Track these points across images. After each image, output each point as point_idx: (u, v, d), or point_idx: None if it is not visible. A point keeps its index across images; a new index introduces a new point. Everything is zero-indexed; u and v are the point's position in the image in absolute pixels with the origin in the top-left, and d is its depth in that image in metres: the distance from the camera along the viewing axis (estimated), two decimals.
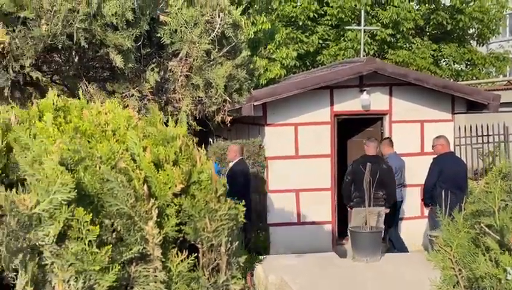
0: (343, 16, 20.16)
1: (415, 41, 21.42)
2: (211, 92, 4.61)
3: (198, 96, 4.60)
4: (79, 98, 4.62)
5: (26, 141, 1.62)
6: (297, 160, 10.55)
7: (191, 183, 1.74)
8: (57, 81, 4.73)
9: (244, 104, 7.00)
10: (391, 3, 20.28)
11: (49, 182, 1.44)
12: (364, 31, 15.05)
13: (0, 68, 3.97)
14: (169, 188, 1.64)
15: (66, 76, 4.46)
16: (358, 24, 16.58)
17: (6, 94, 4.04)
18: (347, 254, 10.09)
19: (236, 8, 4.78)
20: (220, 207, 1.71)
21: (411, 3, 21.55)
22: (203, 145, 2.61)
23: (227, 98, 4.67)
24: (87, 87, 4.32)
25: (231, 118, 4.79)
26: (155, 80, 4.34)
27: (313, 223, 10.68)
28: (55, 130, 1.65)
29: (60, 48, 3.98)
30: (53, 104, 1.85)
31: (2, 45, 3.88)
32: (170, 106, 4.60)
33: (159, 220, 1.62)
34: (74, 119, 1.77)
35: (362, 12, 14.35)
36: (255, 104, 9.82)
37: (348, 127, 11.62)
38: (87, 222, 1.47)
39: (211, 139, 13.59)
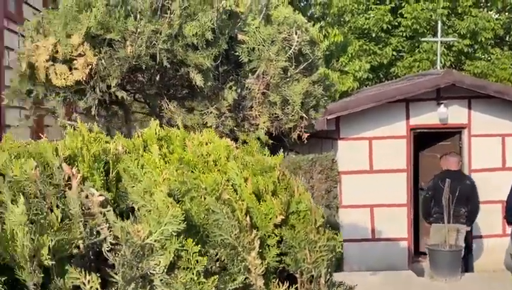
0: (418, 27, 19.72)
1: (494, 52, 20.61)
2: (288, 109, 4.64)
3: (275, 113, 4.63)
4: (160, 114, 4.79)
5: (135, 172, 1.70)
6: (372, 175, 10.38)
7: (290, 213, 1.76)
8: (139, 99, 4.91)
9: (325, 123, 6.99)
10: (469, 13, 19.66)
11: (160, 214, 1.50)
12: (441, 42, 14.64)
13: (88, 88, 4.17)
14: (271, 219, 1.67)
15: (148, 94, 4.62)
16: (434, 35, 16.17)
17: (93, 112, 4.24)
18: (424, 272, 9.79)
19: (313, 25, 4.80)
20: (319, 238, 1.72)
21: (490, 12, 20.81)
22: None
23: (304, 114, 4.68)
24: (168, 105, 4.45)
25: (308, 134, 4.80)
26: (233, 98, 4.42)
27: (388, 239, 10.45)
28: (161, 161, 1.73)
29: (143, 68, 4.14)
30: (156, 134, 1.94)
31: (90, 66, 4.08)
32: (247, 122, 4.66)
33: (260, 250, 1.66)
34: (177, 149, 1.85)
35: (439, 23, 13.98)
36: (328, 117, 9.77)
37: (419, 141, 11.34)
38: (196, 252, 1.53)
39: (282, 153, 13.63)
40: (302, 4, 14.94)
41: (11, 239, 1.44)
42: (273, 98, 4.52)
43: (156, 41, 4.17)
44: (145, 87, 4.53)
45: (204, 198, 1.65)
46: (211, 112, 4.45)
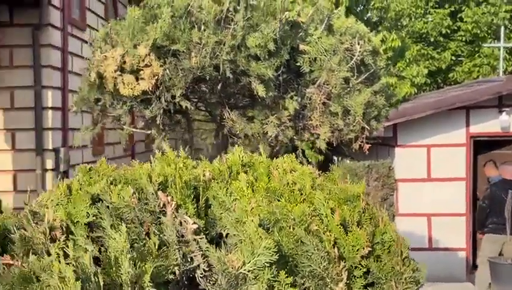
0: (479, 32, 19.20)
1: None
2: (349, 119, 4.63)
3: (336, 124, 4.63)
4: (221, 123, 4.86)
5: (224, 199, 1.75)
6: (430, 183, 10.18)
7: (375, 244, 1.77)
8: (201, 108, 5.00)
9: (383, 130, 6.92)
10: None
11: (253, 244, 1.54)
12: (503, 47, 14.21)
13: (153, 98, 4.28)
14: (358, 250, 1.69)
15: (209, 103, 4.70)
16: (496, 39, 15.70)
17: (158, 122, 4.35)
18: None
19: (372, 31, 4.76)
20: (405, 270, 1.72)
21: None
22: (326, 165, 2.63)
23: (366, 125, 4.66)
24: (229, 114, 4.52)
25: (369, 146, 4.78)
26: (294, 108, 4.45)
27: (446, 249, 10.22)
28: (249, 189, 1.78)
29: (207, 78, 4.22)
30: (240, 160, 1.99)
31: (156, 77, 4.20)
32: (307, 132, 4.68)
33: (348, 281, 1.68)
34: (263, 177, 1.89)
35: (502, 28, 13.57)
36: (385, 124, 9.65)
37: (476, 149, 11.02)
38: (288, 284, 1.56)
39: (335, 158, 13.53)
40: (358, 9, 14.81)
41: (114, 265, 1.50)
42: (334, 108, 4.52)
43: (220, 52, 4.24)
44: (206, 97, 4.62)
45: (293, 228, 1.68)
46: (271, 121, 4.49)
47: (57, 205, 1.59)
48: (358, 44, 4.50)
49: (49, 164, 10.00)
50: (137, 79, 4.29)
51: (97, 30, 12.55)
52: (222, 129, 4.85)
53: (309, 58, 4.52)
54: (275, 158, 3.65)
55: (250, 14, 4.33)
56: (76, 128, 11.19)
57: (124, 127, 4.69)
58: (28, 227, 1.56)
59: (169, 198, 1.64)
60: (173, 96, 4.28)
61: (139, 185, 1.72)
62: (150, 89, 4.23)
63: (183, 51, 4.25)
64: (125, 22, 4.82)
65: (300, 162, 4.58)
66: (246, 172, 1.94)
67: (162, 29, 4.28)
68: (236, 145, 4.85)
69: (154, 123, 4.39)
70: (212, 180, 1.84)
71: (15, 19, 9.65)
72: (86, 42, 11.85)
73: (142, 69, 4.27)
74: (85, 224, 1.56)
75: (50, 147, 9.96)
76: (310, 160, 10.13)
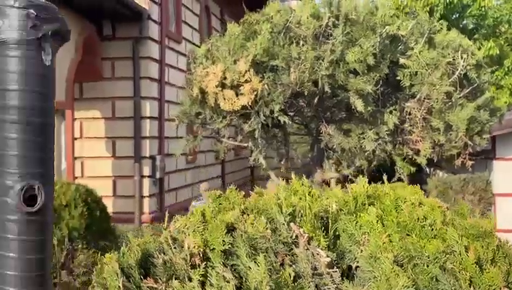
0: None
1: None
2: (451, 135, 4.50)
3: (438, 139, 4.51)
4: (318, 137, 4.88)
5: (353, 232, 1.77)
6: None
7: (509, 283, 1.72)
8: (297, 122, 5.05)
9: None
10: None
11: (388, 281, 1.54)
12: None
13: (252, 113, 4.37)
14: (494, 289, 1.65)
15: (305, 117, 4.73)
16: None
17: (256, 136, 4.44)
18: None
19: (479, 48, 4.61)
20: None
21: None
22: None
23: (469, 141, 4.50)
24: (326, 128, 4.53)
25: (472, 162, 4.62)
26: (393, 123, 4.38)
27: None
28: (379, 223, 1.78)
29: (305, 93, 4.26)
30: (365, 190, 2.00)
31: (255, 92, 4.29)
32: (406, 147, 4.59)
33: None
34: (391, 211, 1.88)
35: None
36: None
37: None
38: None
39: (427, 169, 13.11)
40: (453, 16, 14.30)
41: None
42: (435, 123, 4.41)
43: (318, 68, 4.27)
44: (304, 111, 4.65)
45: (428, 266, 1.66)
46: (369, 136, 4.45)
47: (194, 231, 1.67)
48: (461, 58, 4.37)
49: (146, 170, 10.44)
50: (237, 94, 4.40)
51: (192, 42, 12.99)
52: (318, 143, 4.87)
53: (409, 72, 4.44)
54: (371, 173, 3.62)
55: (349, 29, 4.33)
56: (171, 136, 11.64)
57: (223, 140, 4.81)
58: (168, 252, 1.65)
59: (301, 230, 1.68)
60: (271, 111, 4.35)
61: (270, 215, 1.77)
62: (249, 104, 4.32)
63: (282, 67, 4.31)
64: (225, 38, 4.96)
65: (399, 179, 4.50)
66: (371, 204, 1.94)
67: (261, 45, 4.37)
68: (330, 160, 4.87)
69: (252, 137, 4.47)
70: (339, 211, 1.86)
71: (117, 32, 10.18)
72: (182, 54, 12.31)
73: (242, 85, 4.38)
74: (221, 251, 1.63)
75: (147, 155, 10.39)
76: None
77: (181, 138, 12.39)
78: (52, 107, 1.79)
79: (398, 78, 4.49)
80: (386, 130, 4.47)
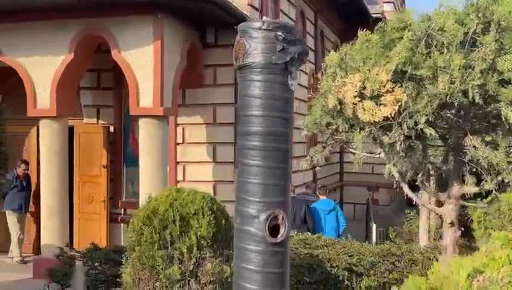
0: None
1: None
2: None
3: None
4: (459, 150, 4.64)
5: None
6: None
7: None
8: (438, 133, 4.82)
9: None
10: None
11: None
12: None
13: (395, 124, 4.21)
14: None
15: (449, 129, 4.52)
16: None
17: (398, 148, 4.28)
18: None
19: None
20: None
21: None
22: None
23: None
24: (471, 141, 4.30)
25: None
26: None
27: None
28: None
29: (455, 104, 4.05)
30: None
31: (399, 103, 4.12)
32: None
33: None
34: None
35: None
36: None
37: None
38: None
39: None
40: None
41: None
42: None
43: (467, 77, 4.05)
44: (448, 122, 4.44)
45: None
46: None
47: None
48: None
49: None
50: (377, 105, 4.25)
51: None
52: (457, 155, 4.63)
53: None
54: None
55: (500, 36, 4.08)
56: None
57: (354, 151, 4.68)
58: None
59: None
60: (416, 123, 4.17)
61: None
62: (392, 115, 4.16)
63: (429, 76, 4.12)
64: (357, 46, 4.83)
65: None
66: None
67: (403, 54, 4.20)
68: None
69: (392, 149, 4.31)
70: None
71: (219, 40, 10.30)
72: None
73: (383, 95, 4.23)
74: None
75: None
76: None
77: None
78: (290, 133, 1.73)
79: None
80: None
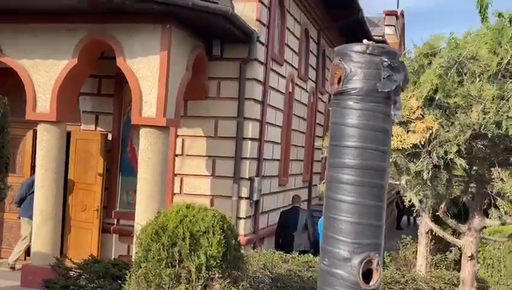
0: None
1: None
2: None
3: None
4: (487, 183, 4.53)
5: None
6: None
7: None
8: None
9: None
10: None
11: None
12: None
13: (424, 152, 4.09)
14: None
15: (476, 160, 4.42)
16: None
17: (425, 177, 4.15)
18: None
19: None
20: None
21: None
22: None
23: None
24: (499, 174, 4.19)
25: None
26: None
27: None
28: None
29: (489, 136, 3.95)
30: None
31: (430, 131, 4.01)
32: None
33: None
34: None
35: None
36: None
37: None
38: None
39: None
40: None
41: None
42: None
43: (501, 108, 3.96)
44: (473, 153, 4.33)
45: None
46: None
47: None
48: None
49: (244, 192, 10.32)
50: (406, 131, 4.14)
51: (292, 65, 12.88)
52: (481, 187, 4.52)
53: None
54: None
55: None
56: (268, 158, 11.51)
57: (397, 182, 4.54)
58: None
59: None
60: (446, 152, 4.06)
61: None
62: (421, 142, 4.04)
63: (462, 105, 4.02)
64: None
65: None
66: None
67: (435, 81, 4.10)
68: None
69: (417, 177, 4.19)
70: None
71: (225, 53, 10.17)
72: (282, 76, 12.19)
73: (413, 121, 4.11)
74: None
75: (246, 176, 10.28)
76: None
77: (278, 160, 12.29)
78: (387, 167, 1.58)
79: None
80: None
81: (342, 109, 1.55)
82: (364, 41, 1.49)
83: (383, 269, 7.24)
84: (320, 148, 17.63)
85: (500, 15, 14.87)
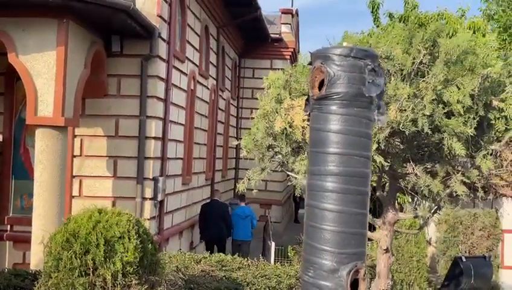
0: None
1: None
2: None
3: None
4: (403, 179, 4.69)
5: None
6: None
7: None
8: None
9: None
10: None
11: None
12: None
13: None
14: None
15: (393, 157, 4.56)
16: None
17: None
18: None
19: None
20: None
21: None
22: None
23: None
24: (413, 169, 4.36)
25: None
26: (488, 168, 4.26)
27: None
28: None
29: (406, 133, 4.08)
30: None
31: None
32: (492, 189, 4.48)
33: None
34: None
35: None
36: None
37: None
38: None
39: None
40: None
41: None
42: None
43: (416, 107, 4.11)
44: (390, 150, 4.47)
45: None
46: (459, 180, 4.30)
47: None
48: None
49: (148, 192, 10.03)
50: None
51: (193, 62, 12.72)
52: (395, 183, 4.69)
53: (504, 115, 4.34)
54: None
55: (447, 68, 4.19)
56: (172, 157, 11.28)
57: (294, 175, 4.57)
58: None
59: None
60: None
61: None
62: None
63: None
64: (298, 68, 4.75)
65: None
66: None
67: None
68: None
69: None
70: None
71: (125, 49, 9.80)
72: (184, 74, 12.00)
73: None
74: None
75: (150, 176, 9.99)
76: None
77: (181, 159, 12.09)
78: (370, 173, 1.52)
79: (492, 121, 4.38)
80: (477, 175, 4.34)
81: (325, 114, 1.48)
82: (345, 43, 1.43)
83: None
84: (235, 147, 17.60)
85: (390, 15, 15.53)
